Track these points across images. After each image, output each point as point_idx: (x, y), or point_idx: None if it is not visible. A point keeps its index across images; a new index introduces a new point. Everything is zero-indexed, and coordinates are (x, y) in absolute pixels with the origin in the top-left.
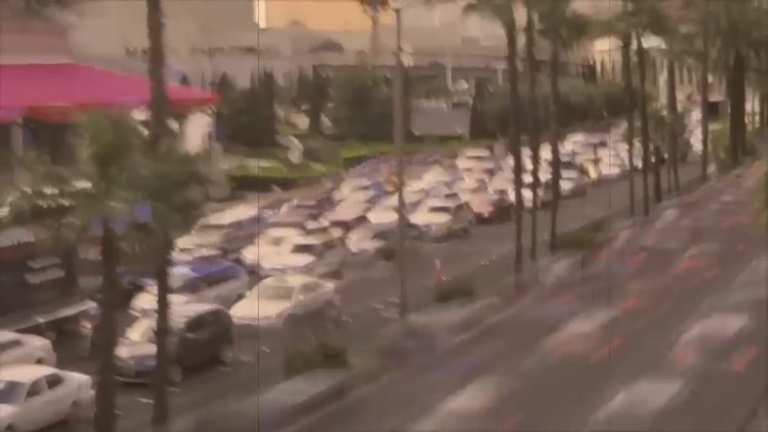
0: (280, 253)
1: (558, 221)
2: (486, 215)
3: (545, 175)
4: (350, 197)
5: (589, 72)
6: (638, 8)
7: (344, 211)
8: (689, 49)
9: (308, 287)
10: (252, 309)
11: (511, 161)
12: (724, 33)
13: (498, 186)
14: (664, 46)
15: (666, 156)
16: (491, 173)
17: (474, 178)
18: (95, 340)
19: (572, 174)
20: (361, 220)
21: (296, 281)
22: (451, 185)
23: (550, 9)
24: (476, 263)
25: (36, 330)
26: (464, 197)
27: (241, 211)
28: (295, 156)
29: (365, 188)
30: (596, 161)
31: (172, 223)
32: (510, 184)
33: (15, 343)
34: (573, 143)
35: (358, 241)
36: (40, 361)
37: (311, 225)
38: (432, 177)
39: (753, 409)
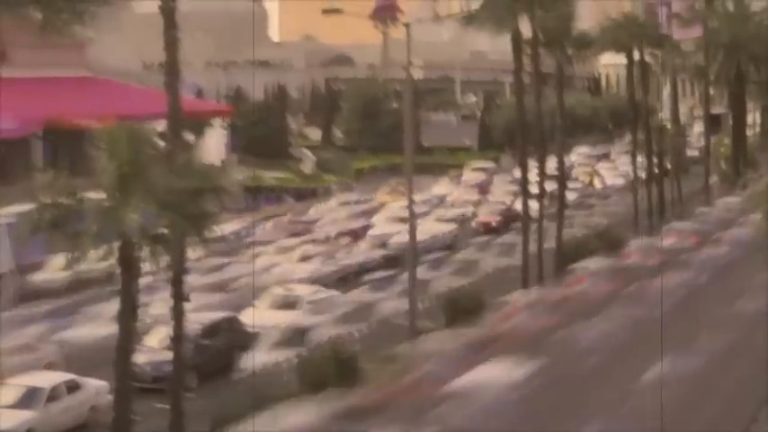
0: (289, 261)
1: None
2: (493, 224)
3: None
4: (327, 216)
5: (594, 85)
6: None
7: (352, 221)
8: (690, 63)
9: (315, 296)
10: (259, 318)
11: (517, 172)
12: (725, 48)
13: (498, 197)
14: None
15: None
16: (488, 184)
17: (474, 189)
18: None
19: (577, 185)
20: (368, 228)
21: (303, 290)
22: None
23: (555, 25)
24: (484, 271)
25: None
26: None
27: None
28: (308, 167)
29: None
30: (594, 173)
31: (188, 233)
32: (508, 194)
33: (27, 347)
34: (577, 154)
35: (365, 250)
36: (50, 365)
37: (319, 234)
38: (441, 189)
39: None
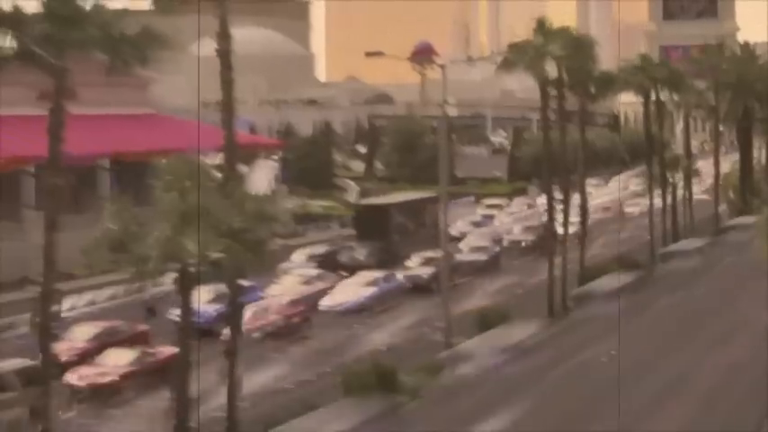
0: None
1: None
2: (524, 245)
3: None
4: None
5: (614, 122)
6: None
7: None
8: (701, 104)
9: None
10: None
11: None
12: (733, 87)
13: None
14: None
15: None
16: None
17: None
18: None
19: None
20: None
21: None
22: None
23: (579, 67)
24: (512, 292)
25: None
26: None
27: None
28: (352, 196)
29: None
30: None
31: (242, 259)
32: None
33: None
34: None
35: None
36: None
37: None
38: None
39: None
